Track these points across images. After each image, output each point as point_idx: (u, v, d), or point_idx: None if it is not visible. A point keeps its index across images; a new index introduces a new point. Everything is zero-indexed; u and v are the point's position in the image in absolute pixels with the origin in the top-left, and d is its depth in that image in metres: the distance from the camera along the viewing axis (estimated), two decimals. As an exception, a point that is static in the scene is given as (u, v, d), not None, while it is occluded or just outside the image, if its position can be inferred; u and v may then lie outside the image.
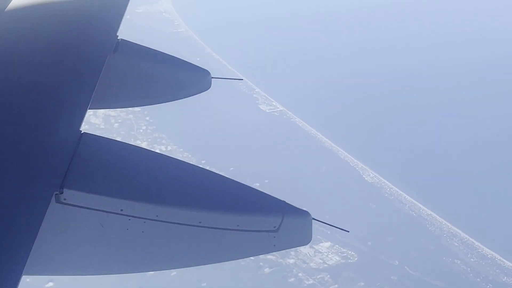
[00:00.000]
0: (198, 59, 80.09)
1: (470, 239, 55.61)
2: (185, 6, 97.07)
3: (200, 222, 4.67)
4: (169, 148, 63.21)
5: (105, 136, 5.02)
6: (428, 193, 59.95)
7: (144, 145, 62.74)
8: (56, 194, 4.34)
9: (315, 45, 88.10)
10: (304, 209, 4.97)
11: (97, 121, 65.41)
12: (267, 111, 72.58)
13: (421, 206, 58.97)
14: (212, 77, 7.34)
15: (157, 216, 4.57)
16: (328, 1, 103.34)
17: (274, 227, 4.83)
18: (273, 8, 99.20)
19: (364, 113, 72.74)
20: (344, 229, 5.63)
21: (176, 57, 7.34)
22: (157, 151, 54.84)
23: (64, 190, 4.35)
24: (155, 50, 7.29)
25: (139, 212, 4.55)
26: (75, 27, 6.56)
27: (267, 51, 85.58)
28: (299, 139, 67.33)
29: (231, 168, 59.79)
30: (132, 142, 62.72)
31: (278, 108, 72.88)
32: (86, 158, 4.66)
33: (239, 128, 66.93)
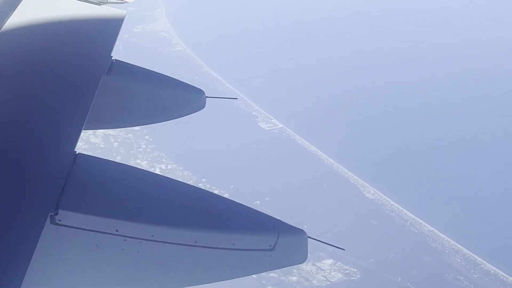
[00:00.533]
0: (196, 77, 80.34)
1: (473, 255, 55.39)
2: (183, 25, 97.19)
3: (195, 242, 4.68)
4: (169, 166, 63.07)
5: (104, 156, 4.98)
6: (430, 209, 59.82)
7: (144, 164, 62.72)
8: (51, 215, 4.33)
9: (313, 62, 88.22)
10: (305, 226, 5.01)
11: (96, 141, 65.33)
12: (267, 128, 72.57)
13: (423, 222, 58.82)
14: (207, 97, 7.34)
15: (152, 236, 4.57)
16: (326, 20, 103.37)
17: (270, 245, 4.86)
18: (271, 26, 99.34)
19: (364, 129, 72.68)
20: (340, 247, 5.66)
21: (170, 77, 7.36)
22: (157, 170, 55.07)
23: (59, 211, 4.35)
24: (148, 70, 7.31)
25: (135, 233, 4.56)
26: (69, 48, 6.55)
27: (265, 68, 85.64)
28: (299, 157, 67.23)
29: (232, 186, 59.75)
30: (132, 161, 62.77)
31: (278, 125, 72.87)
32: (81, 178, 4.67)
33: (239, 146, 66.85)
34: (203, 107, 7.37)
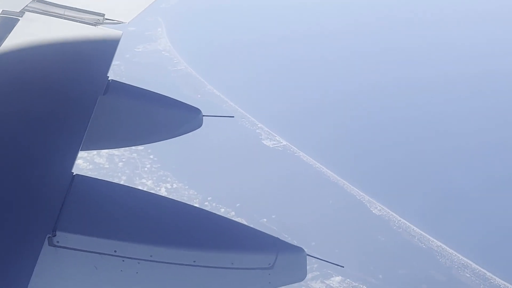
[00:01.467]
0: (199, 96, 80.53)
1: (482, 269, 55.19)
2: (184, 44, 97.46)
3: (194, 261, 4.72)
4: (174, 186, 62.95)
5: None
6: (437, 225, 59.69)
7: (149, 183, 62.66)
8: (49, 237, 4.35)
9: (315, 80, 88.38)
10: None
11: (101, 161, 65.26)
12: (271, 146, 72.52)
13: (430, 237, 58.64)
14: (204, 115, 7.36)
15: (151, 256, 4.61)
16: (329, 38, 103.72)
17: (269, 264, 4.89)
18: (273, 44, 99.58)
19: (369, 145, 72.66)
20: (339, 264, 6.30)
21: (166, 96, 7.37)
22: (162, 189, 54.89)
23: (57, 232, 4.38)
24: (145, 89, 7.32)
25: (133, 253, 4.60)
26: (66, 69, 6.53)
27: (268, 86, 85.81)
28: (304, 174, 67.13)
29: (238, 204, 59.68)
30: (137, 181, 62.74)
31: (282, 142, 72.82)
32: (79, 200, 4.70)
33: (243, 164, 66.80)
34: (200, 126, 7.40)
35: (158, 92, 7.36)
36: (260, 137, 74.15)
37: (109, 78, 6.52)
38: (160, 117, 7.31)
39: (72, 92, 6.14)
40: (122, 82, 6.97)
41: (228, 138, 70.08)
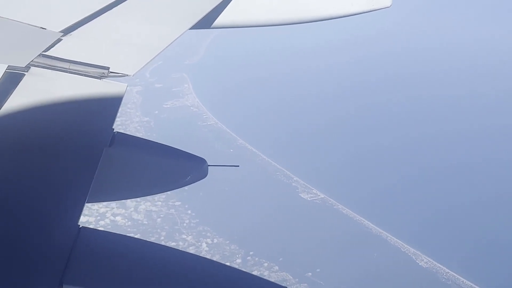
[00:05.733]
0: (231, 150, 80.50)
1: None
2: (212, 99, 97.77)
3: None
4: (215, 241, 62.29)
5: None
6: (487, 276, 58.40)
7: (189, 239, 62.14)
8: None
9: (349, 131, 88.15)
10: None
11: (139, 217, 64.94)
12: (309, 199, 71.80)
13: (480, 289, 57.57)
14: (209, 165, 7.45)
15: None
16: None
17: None
18: (302, 95, 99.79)
19: (409, 196, 71.91)
20: None
21: (171, 147, 7.48)
22: (204, 244, 53.89)
23: (64, 286, 4.33)
24: (150, 141, 7.61)
25: None
26: (71, 123, 6.57)
27: (300, 139, 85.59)
28: (346, 226, 66.45)
29: (280, 259, 59.12)
30: (177, 236, 62.24)
31: (319, 195, 72.08)
32: (85, 253, 4.68)
33: (283, 218, 66.36)
34: (205, 176, 7.45)
35: (171, 146, 7.42)
36: (297, 190, 73.47)
37: (114, 131, 6.54)
38: (164, 168, 7.37)
39: (78, 144, 6.17)
40: (127, 134, 7.13)
41: (265, 193, 69.73)
